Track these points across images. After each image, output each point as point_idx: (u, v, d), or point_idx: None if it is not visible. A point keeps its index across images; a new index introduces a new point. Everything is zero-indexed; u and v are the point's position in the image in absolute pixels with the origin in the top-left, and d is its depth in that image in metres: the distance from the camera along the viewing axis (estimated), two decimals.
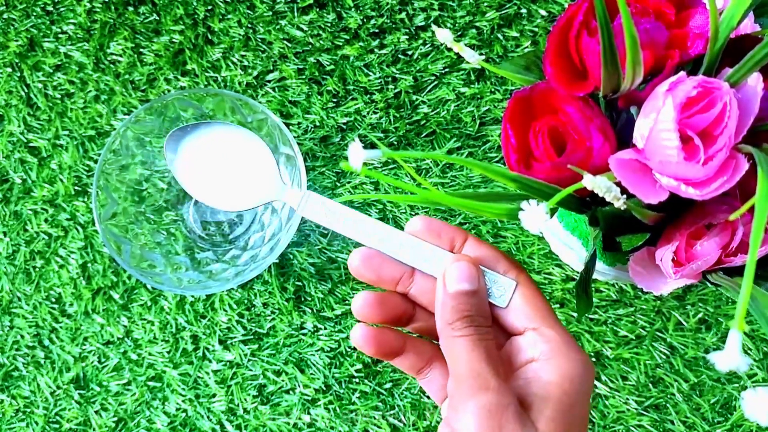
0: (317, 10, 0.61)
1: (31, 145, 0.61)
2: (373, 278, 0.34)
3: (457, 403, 0.30)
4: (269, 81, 0.60)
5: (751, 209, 0.27)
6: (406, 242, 0.34)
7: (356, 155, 0.28)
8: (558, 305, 0.56)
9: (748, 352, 0.55)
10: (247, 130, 0.40)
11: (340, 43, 0.60)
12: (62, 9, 0.62)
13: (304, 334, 0.58)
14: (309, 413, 0.57)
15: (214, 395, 0.57)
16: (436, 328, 0.33)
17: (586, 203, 0.35)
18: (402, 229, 0.35)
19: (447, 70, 0.59)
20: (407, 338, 0.35)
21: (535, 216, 0.27)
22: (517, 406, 0.29)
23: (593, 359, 0.56)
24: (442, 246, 0.34)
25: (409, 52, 0.60)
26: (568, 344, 0.31)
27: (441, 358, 0.35)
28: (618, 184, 0.30)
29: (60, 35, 0.62)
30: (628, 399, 0.55)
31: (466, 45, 0.36)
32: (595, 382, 0.55)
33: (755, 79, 0.30)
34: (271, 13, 0.61)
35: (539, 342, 0.31)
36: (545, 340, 0.31)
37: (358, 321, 0.35)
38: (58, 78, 0.61)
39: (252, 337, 0.58)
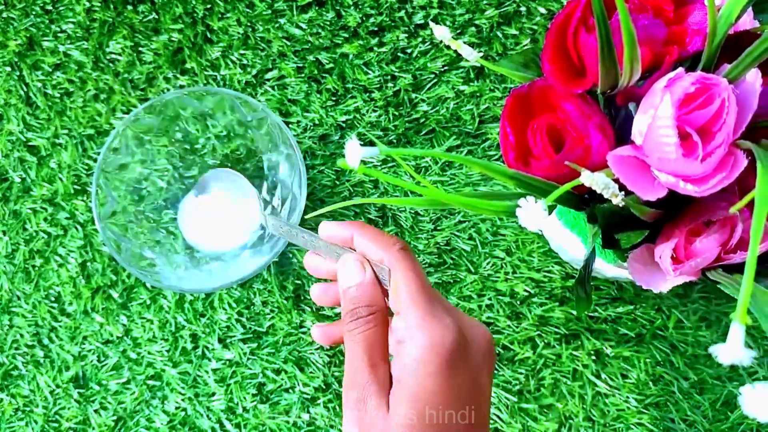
0: (316, 8, 0.61)
1: (30, 144, 0.61)
2: (316, 274, 0.40)
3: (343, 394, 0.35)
4: (268, 79, 0.60)
5: (750, 205, 0.27)
6: (322, 245, 0.39)
7: (353, 153, 0.28)
8: (558, 303, 0.56)
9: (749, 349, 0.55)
10: (237, 175, 0.47)
11: (340, 42, 0.60)
12: (61, 8, 0.62)
13: (303, 333, 0.57)
14: (308, 412, 0.57)
15: (213, 394, 0.57)
16: None
17: (584, 200, 0.35)
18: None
19: (446, 68, 0.59)
20: None
21: (533, 213, 0.27)
22: (377, 395, 0.33)
23: (593, 358, 0.56)
24: (341, 243, 0.38)
25: (409, 51, 0.60)
26: (420, 323, 0.33)
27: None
28: (616, 180, 0.30)
29: (59, 34, 0.62)
30: (628, 397, 0.55)
31: (465, 43, 0.36)
32: (596, 380, 0.55)
33: (753, 76, 0.30)
34: (270, 11, 0.61)
35: (401, 325, 0.34)
36: (404, 323, 0.34)
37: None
38: (58, 77, 0.61)
39: (251, 335, 0.58)
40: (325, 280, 0.41)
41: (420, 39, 0.60)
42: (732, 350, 0.22)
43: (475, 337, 0.34)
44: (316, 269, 0.40)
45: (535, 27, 0.59)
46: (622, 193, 0.29)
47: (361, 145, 0.29)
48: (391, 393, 0.33)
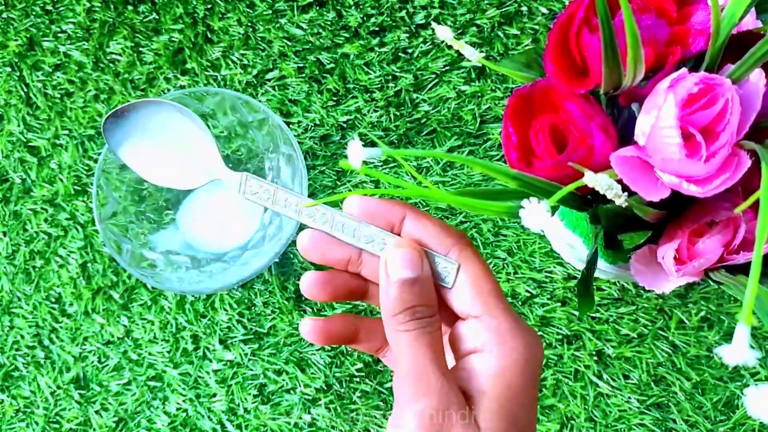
0: (317, 8, 0.60)
1: (30, 144, 0.61)
2: (321, 260, 0.33)
3: (401, 404, 0.29)
4: (269, 80, 0.60)
5: (754, 205, 0.27)
6: (348, 224, 0.32)
7: (356, 154, 0.28)
8: (560, 304, 0.56)
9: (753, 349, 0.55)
10: (185, 110, 0.40)
11: (340, 42, 0.60)
12: (61, 8, 0.62)
13: None
14: (310, 413, 0.56)
15: (214, 395, 0.57)
16: (383, 319, 0.32)
17: (587, 201, 0.35)
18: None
19: (447, 68, 0.59)
20: (360, 322, 0.35)
21: (535, 214, 0.27)
22: (460, 406, 0.29)
23: (595, 358, 0.55)
24: (381, 225, 0.32)
25: (410, 50, 0.60)
26: (511, 331, 0.29)
27: None
28: (619, 181, 0.30)
29: (59, 34, 0.62)
30: (630, 398, 0.55)
31: (466, 43, 0.35)
32: (597, 381, 0.55)
33: (757, 76, 0.30)
34: (270, 11, 0.61)
35: (481, 330, 0.30)
36: (486, 328, 0.30)
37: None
38: (58, 77, 0.61)
39: (252, 336, 0.58)
40: (323, 268, 0.35)
41: (421, 39, 0.60)
42: (737, 351, 0.22)
43: (540, 351, 0.31)
44: (318, 251, 0.33)
45: (537, 27, 0.59)
46: (625, 193, 0.29)
47: (362, 145, 0.28)
48: (477, 406, 0.29)
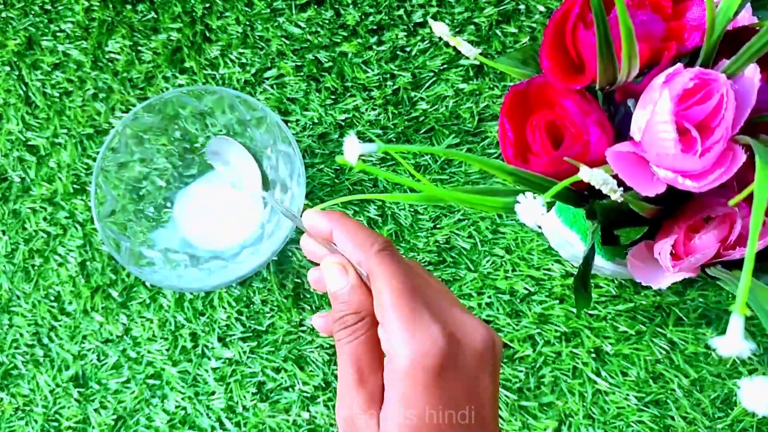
0: (315, 7, 0.61)
1: (29, 143, 0.61)
2: (314, 256, 0.37)
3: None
4: (267, 78, 0.60)
5: (748, 200, 0.27)
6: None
7: (352, 149, 0.28)
8: (557, 301, 0.56)
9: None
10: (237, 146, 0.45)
11: (338, 40, 0.60)
12: (60, 7, 0.62)
13: (303, 331, 0.57)
14: (308, 410, 0.57)
15: (213, 393, 0.57)
16: None
17: (583, 197, 0.35)
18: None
19: (445, 66, 0.59)
20: None
21: (531, 209, 0.27)
22: (364, 412, 0.31)
23: (593, 355, 0.56)
24: (321, 238, 0.35)
25: (408, 49, 0.60)
26: (402, 335, 0.31)
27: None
28: (615, 176, 0.30)
29: (58, 34, 0.62)
30: (628, 395, 0.55)
31: (464, 41, 0.36)
32: (595, 378, 0.55)
33: (752, 71, 0.30)
34: (269, 10, 0.61)
35: (383, 337, 0.32)
36: (386, 335, 0.31)
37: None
38: (57, 76, 0.61)
39: (251, 334, 0.58)
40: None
41: (419, 37, 0.60)
42: (732, 342, 0.22)
43: (469, 340, 0.32)
44: (312, 254, 0.37)
45: (534, 25, 0.59)
46: (621, 189, 0.29)
47: (359, 142, 0.29)
48: (381, 411, 0.31)
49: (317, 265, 0.36)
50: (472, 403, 0.31)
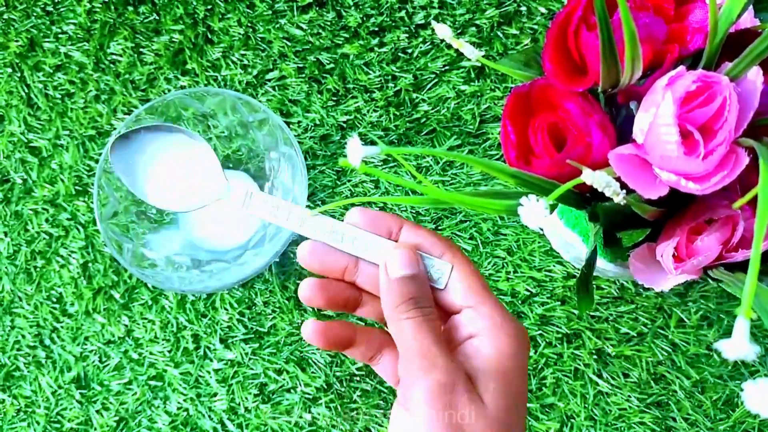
0: (317, 8, 0.61)
1: (31, 145, 0.61)
2: (319, 269, 0.36)
3: (408, 384, 0.31)
4: (269, 80, 0.60)
5: (751, 203, 0.27)
6: (348, 234, 0.35)
7: (355, 152, 0.28)
8: (559, 302, 0.56)
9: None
10: (188, 132, 0.42)
11: (340, 42, 0.60)
12: (62, 9, 0.62)
13: None
14: (310, 412, 0.57)
15: (215, 394, 0.57)
16: (384, 314, 0.34)
17: (586, 199, 0.35)
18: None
19: (447, 68, 0.59)
20: (357, 329, 0.37)
21: (534, 211, 0.27)
22: (465, 383, 0.31)
23: (594, 357, 0.56)
24: (380, 234, 0.35)
25: (409, 51, 0.60)
26: (504, 319, 0.32)
27: (391, 343, 0.36)
28: (618, 179, 0.30)
29: (60, 35, 0.62)
30: (630, 396, 0.55)
31: (465, 43, 0.36)
32: (597, 380, 0.55)
33: (755, 73, 0.30)
34: (270, 12, 0.61)
35: (477, 319, 0.32)
36: (482, 316, 0.32)
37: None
38: (59, 78, 0.62)
39: (253, 335, 0.58)
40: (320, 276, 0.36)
41: (420, 39, 0.60)
42: (737, 345, 0.22)
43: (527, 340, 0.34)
44: (316, 260, 0.35)
45: (536, 27, 0.59)
46: (624, 191, 0.29)
47: (362, 144, 0.29)
48: (478, 384, 0.31)
49: (320, 277, 0.35)
50: (526, 397, 0.33)
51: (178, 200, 0.41)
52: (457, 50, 0.60)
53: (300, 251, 0.35)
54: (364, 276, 0.36)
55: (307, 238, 0.36)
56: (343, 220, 0.35)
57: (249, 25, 0.61)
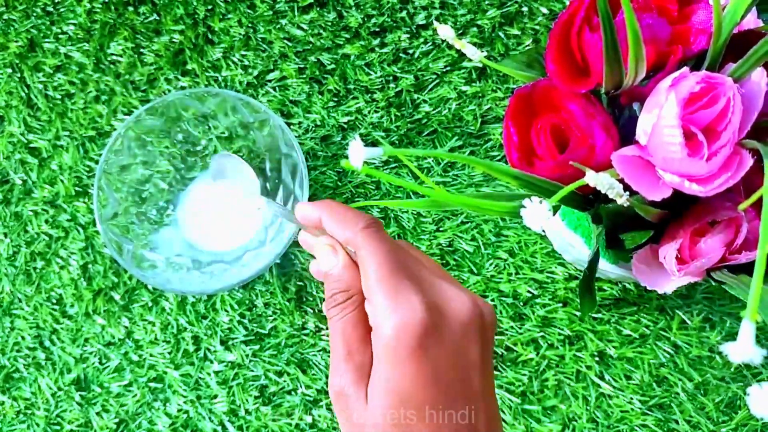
0: (318, 9, 0.60)
1: (31, 145, 0.61)
2: (312, 250, 0.38)
3: None
4: (270, 80, 0.60)
5: (755, 205, 0.27)
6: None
7: (357, 153, 0.28)
8: (561, 304, 0.56)
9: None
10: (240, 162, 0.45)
11: (341, 42, 0.60)
12: (62, 9, 0.62)
13: (305, 335, 0.57)
14: (311, 414, 0.56)
15: (215, 396, 0.57)
16: None
17: (588, 201, 0.35)
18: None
19: (448, 68, 0.59)
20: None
21: (537, 213, 0.27)
22: (355, 383, 0.32)
23: (596, 359, 0.55)
24: (312, 226, 0.36)
25: (410, 51, 0.60)
26: (389, 302, 0.31)
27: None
28: (621, 181, 0.30)
29: (60, 36, 0.62)
30: (632, 398, 0.55)
31: (467, 44, 0.35)
32: (599, 382, 0.55)
33: (759, 75, 0.30)
34: (271, 12, 0.61)
35: (370, 312, 0.33)
36: (372, 309, 0.32)
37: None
38: (59, 78, 0.61)
39: (253, 337, 0.58)
40: None
41: (422, 39, 0.60)
42: (743, 348, 0.22)
43: (454, 310, 0.32)
44: (309, 246, 0.38)
45: (537, 27, 0.59)
46: (627, 193, 0.29)
47: (363, 145, 0.28)
48: (369, 383, 0.32)
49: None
50: (456, 372, 0.31)
51: (227, 242, 0.50)
52: (458, 51, 0.60)
53: (300, 238, 0.38)
54: None
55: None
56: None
57: (250, 25, 0.61)
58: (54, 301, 0.59)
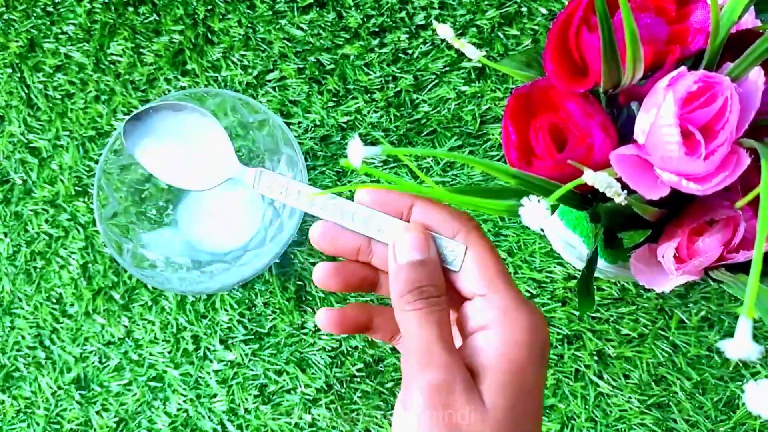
0: (317, 9, 0.61)
1: (31, 145, 0.61)
2: (332, 250, 0.34)
3: (407, 381, 0.30)
4: (269, 80, 0.60)
5: (753, 204, 0.27)
6: (359, 213, 0.34)
7: (356, 152, 0.28)
8: (560, 303, 0.56)
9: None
10: (200, 110, 0.41)
11: (341, 42, 0.60)
12: (62, 9, 0.62)
13: (305, 334, 0.57)
14: (310, 413, 0.56)
15: (215, 395, 0.57)
16: (391, 301, 0.33)
17: (587, 200, 0.35)
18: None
19: (447, 68, 0.59)
20: (372, 310, 0.36)
21: (535, 212, 0.27)
22: (465, 380, 0.29)
23: (595, 358, 0.55)
24: (391, 213, 0.33)
25: (410, 51, 0.60)
26: (516, 308, 0.30)
27: None
28: (619, 179, 0.30)
29: (60, 36, 0.62)
30: (630, 398, 0.55)
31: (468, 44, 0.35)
32: (598, 381, 0.55)
33: (756, 74, 0.30)
34: (271, 12, 0.61)
35: (486, 309, 0.30)
36: (491, 306, 0.30)
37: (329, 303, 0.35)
38: (59, 78, 0.61)
39: (253, 336, 0.58)
40: (333, 259, 0.36)
41: (421, 40, 0.60)
42: (740, 345, 0.22)
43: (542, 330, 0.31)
44: (328, 241, 0.34)
45: (537, 27, 0.59)
46: (625, 192, 0.29)
47: (362, 145, 0.29)
48: (481, 381, 0.29)
49: (332, 259, 0.35)
50: (541, 391, 0.31)
51: (189, 179, 0.41)
52: (457, 51, 0.60)
53: (312, 232, 0.34)
54: (378, 257, 0.34)
55: (317, 219, 0.35)
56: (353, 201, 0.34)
57: (249, 25, 0.61)
58: (54, 300, 0.59)
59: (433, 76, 0.59)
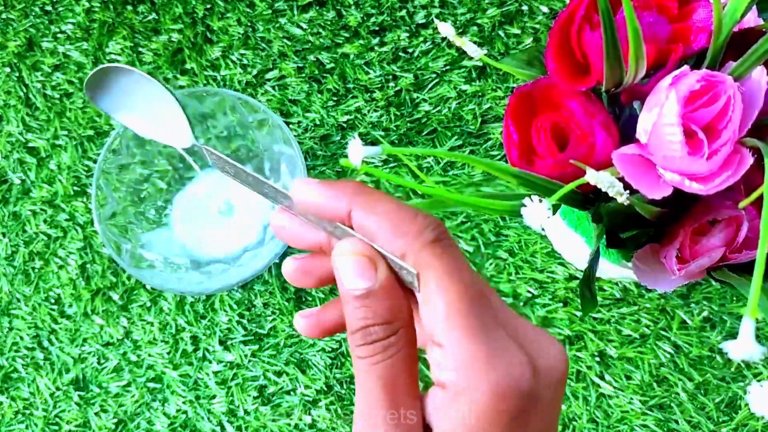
0: (317, 8, 0.60)
1: (29, 145, 0.61)
2: (293, 241, 0.28)
3: None
4: (269, 79, 0.60)
5: (756, 204, 0.27)
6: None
7: (356, 152, 0.28)
8: (561, 304, 0.56)
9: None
10: (157, 83, 0.41)
11: (340, 41, 0.60)
12: (61, 9, 0.62)
13: None
14: (310, 414, 0.56)
15: (214, 396, 0.57)
16: None
17: (589, 200, 0.35)
18: None
19: (448, 67, 0.59)
20: None
21: (537, 212, 0.27)
22: None
23: (597, 359, 0.55)
24: (329, 218, 0.26)
25: (410, 50, 0.60)
26: (480, 359, 0.23)
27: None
28: (621, 179, 0.30)
29: (58, 35, 0.62)
30: (632, 398, 0.55)
31: (469, 42, 0.35)
32: (599, 382, 0.55)
33: (759, 73, 0.30)
34: (270, 11, 0.60)
35: (444, 363, 0.23)
36: (447, 361, 0.23)
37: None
38: (57, 78, 0.61)
39: (252, 337, 0.57)
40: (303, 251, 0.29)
41: (421, 38, 0.60)
42: (743, 346, 0.21)
43: (549, 367, 0.24)
44: (291, 236, 0.28)
45: (537, 26, 0.59)
46: (627, 191, 0.29)
47: (363, 144, 0.28)
48: None
49: (300, 252, 0.28)
50: None
51: (145, 128, 0.41)
52: (458, 49, 0.59)
53: (272, 221, 0.29)
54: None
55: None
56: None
57: (248, 24, 0.61)
58: (52, 300, 0.59)
59: (434, 75, 0.59)
